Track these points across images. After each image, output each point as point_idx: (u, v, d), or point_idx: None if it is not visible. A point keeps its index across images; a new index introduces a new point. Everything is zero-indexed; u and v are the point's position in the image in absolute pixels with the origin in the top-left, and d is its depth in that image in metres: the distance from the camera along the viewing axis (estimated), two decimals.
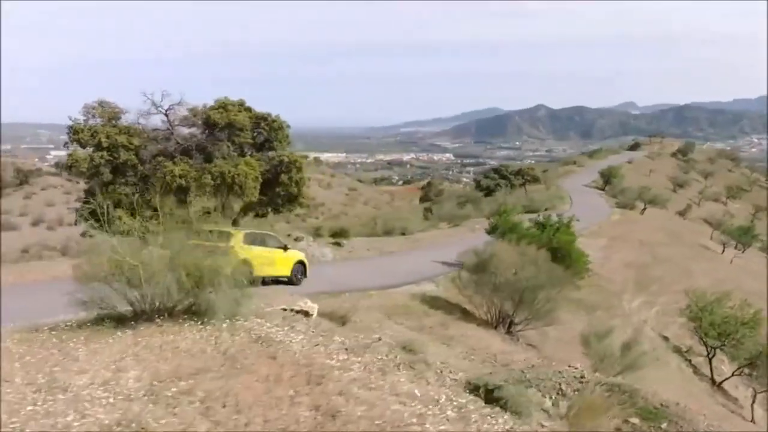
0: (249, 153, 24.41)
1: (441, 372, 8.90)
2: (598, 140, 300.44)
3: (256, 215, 26.96)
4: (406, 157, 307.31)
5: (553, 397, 9.24)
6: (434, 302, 17.84)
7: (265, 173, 23.81)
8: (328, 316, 10.95)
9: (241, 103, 24.47)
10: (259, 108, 25.37)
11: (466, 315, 17.73)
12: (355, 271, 22.69)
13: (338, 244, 27.22)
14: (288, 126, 25.25)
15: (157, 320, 9.96)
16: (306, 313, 10.27)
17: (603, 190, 73.61)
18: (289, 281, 17.81)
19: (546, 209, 52.85)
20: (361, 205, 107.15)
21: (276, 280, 17.58)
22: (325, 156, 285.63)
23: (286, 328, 10.26)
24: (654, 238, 45.91)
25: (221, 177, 21.80)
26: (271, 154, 24.50)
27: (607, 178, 75.10)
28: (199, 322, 10.00)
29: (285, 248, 17.87)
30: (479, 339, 14.23)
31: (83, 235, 22.37)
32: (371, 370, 8.76)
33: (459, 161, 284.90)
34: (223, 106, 23.17)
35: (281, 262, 17.50)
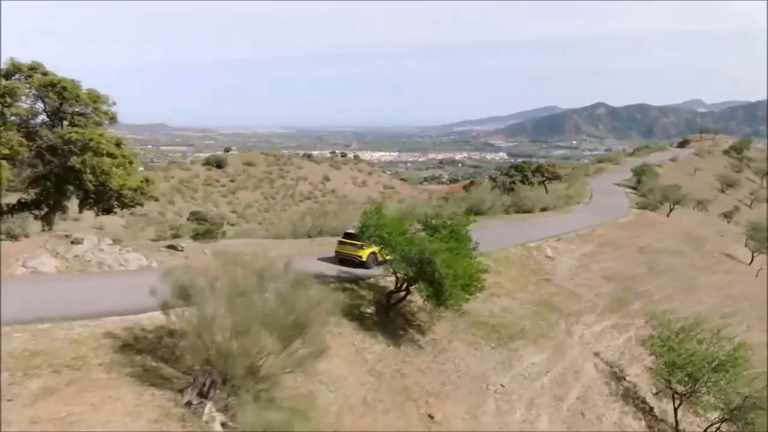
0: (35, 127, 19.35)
1: None
2: (660, 139, 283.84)
3: (104, 211, 22.32)
4: (458, 156, 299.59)
5: None
6: (150, 342, 11.97)
7: (43, 154, 18.64)
8: None
9: (33, 67, 19.48)
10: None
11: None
12: (109, 286, 16.94)
13: (174, 248, 21.64)
14: (97, 97, 20.01)
15: None
16: None
17: (635, 189, 65.67)
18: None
19: (543, 209, 46.35)
20: (396, 203, 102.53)
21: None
22: (377, 155, 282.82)
23: None
24: (663, 244, 38.50)
25: None
26: (58, 131, 19.31)
27: (639, 177, 66.82)
28: None
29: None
30: (83, 421, 8.41)
31: None
32: None
33: (512, 160, 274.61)
34: None
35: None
